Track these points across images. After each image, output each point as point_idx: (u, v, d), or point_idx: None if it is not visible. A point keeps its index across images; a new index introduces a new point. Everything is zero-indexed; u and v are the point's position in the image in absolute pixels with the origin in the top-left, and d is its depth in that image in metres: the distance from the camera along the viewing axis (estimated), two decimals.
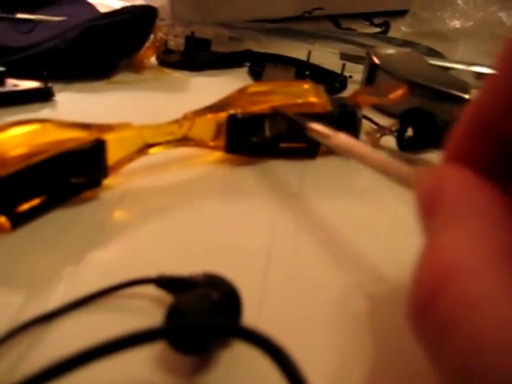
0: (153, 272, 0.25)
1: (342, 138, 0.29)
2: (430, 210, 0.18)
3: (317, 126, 0.32)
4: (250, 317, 0.23)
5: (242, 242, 0.30)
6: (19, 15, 0.64)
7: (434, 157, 0.40)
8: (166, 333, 0.20)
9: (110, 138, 0.33)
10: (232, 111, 0.37)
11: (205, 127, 0.37)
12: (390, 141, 0.41)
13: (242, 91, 0.39)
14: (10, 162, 0.29)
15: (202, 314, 0.21)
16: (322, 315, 0.25)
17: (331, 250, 0.30)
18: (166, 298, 0.24)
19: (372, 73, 0.51)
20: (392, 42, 0.67)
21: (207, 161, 0.39)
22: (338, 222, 0.32)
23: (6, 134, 0.30)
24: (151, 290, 0.25)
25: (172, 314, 0.21)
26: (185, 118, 0.36)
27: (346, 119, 0.39)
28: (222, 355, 0.22)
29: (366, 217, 0.33)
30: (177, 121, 0.36)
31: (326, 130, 0.31)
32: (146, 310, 0.25)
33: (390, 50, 0.54)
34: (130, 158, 0.35)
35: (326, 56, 0.60)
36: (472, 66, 0.54)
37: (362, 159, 0.27)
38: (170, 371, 0.21)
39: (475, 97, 0.19)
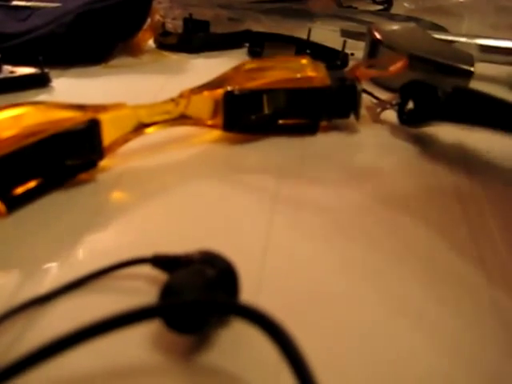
0: (151, 252, 0.24)
1: None
2: None
3: None
4: (249, 295, 0.23)
5: (242, 221, 0.29)
6: (15, 2, 0.63)
7: (435, 130, 0.39)
8: (159, 311, 0.19)
9: (104, 117, 0.32)
10: (229, 88, 0.36)
11: (202, 105, 0.36)
12: (390, 115, 0.40)
13: (238, 68, 0.38)
14: (2, 145, 0.28)
15: (197, 290, 0.20)
16: (322, 293, 0.24)
17: (333, 228, 0.29)
18: (162, 277, 0.24)
19: (373, 49, 0.50)
20: (394, 18, 0.65)
21: (206, 140, 0.38)
22: (340, 198, 0.32)
23: None
24: (147, 269, 0.24)
25: (166, 291, 0.21)
26: (181, 96, 0.36)
27: (345, 93, 0.38)
28: (219, 334, 0.22)
29: (368, 193, 0.32)
30: (173, 99, 0.35)
31: None
32: (143, 291, 0.24)
33: (392, 26, 0.53)
34: (126, 139, 0.34)
35: (327, 34, 0.59)
36: (476, 38, 0.53)
37: None
38: (166, 351, 0.21)
39: None
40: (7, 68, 0.48)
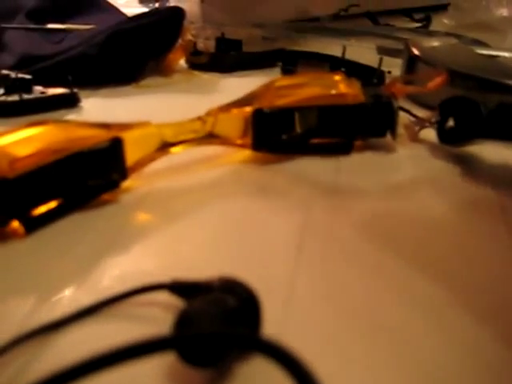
0: (171, 277, 0.23)
1: None
2: None
3: None
4: (273, 328, 0.21)
5: (269, 246, 0.28)
6: (50, 25, 0.64)
7: (478, 149, 0.37)
8: (173, 343, 0.18)
9: (128, 136, 0.31)
10: (258, 105, 0.35)
11: (230, 123, 0.35)
12: (429, 134, 0.38)
13: (269, 85, 0.37)
14: (20, 163, 0.27)
15: (215, 321, 0.19)
16: (352, 329, 0.22)
17: (367, 256, 0.27)
18: (180, 304, 0.22)
19: (411, 65, 0.48)
20: (433, 35, 0.63)
21: (234, 160, 0.37)
22: (374, 225, 0.30)
23: (16, 136, 0.29)
24: (165, 296, 0.23)
25: (181, 321, 0.19)
26: (208, 114, 0.34)
27: (381, 111, 0.36)
28: (237, 369, 0.20)
29: (405, 217, 0.30)
30: (200, 117, 0.34)
31: None
32: (159, 318, 0.22)
33: (431, 42, 0.51)
34: (150, 158, 0.33)
35: (363, 52, 0.57)
36: None
37: None
38: None
39: None
40: (38, 89, 0.48)
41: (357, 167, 0.36)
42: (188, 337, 0.18)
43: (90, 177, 0.30)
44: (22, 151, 0.28)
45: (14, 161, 0.27)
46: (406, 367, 0.20)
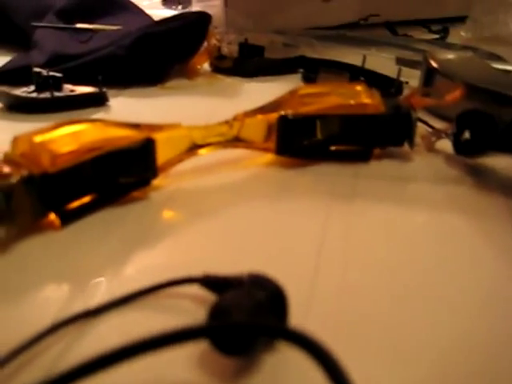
0: (200, 272, 0.24)
1: None
2: None
3: None
4: (298, 318, 0.22)
5: (292, 244, 0.29)
6: (78, 25, 0.66)
7: (492, 161, 0.38)
8: (207, 331, 0.19)
9: (159, 137, 0.33)
10: (283, 112, 0.36)
11: (255, 128, 0.37)
12: (445, 145, 0.40)
13: (293, 93, 0.38)
14: (60, 160, 0.29)
15: (246, 313, 0.20)
16: (372, 320, 0.24)
17: (383, 254, 0.29)
18: (211, 297, 0.23)
19: (429, 77, 0.49)
20: (451, 47, 0.65)
21: (258, 163, 0.38)
22: (390, 227, 0.31)
23: (57, 133, 0.30)
24: (196, 289, 0.24)
25: (214, 312, 0.20)
26: (235, 118, 0.36)
27: (400, 121, 0.38)
28: (266, 358, 0.21)
29: (419, 223, 0.32)
30: (227, 121, 0.36)
31: None
32: (190, 310, 0.24)
33: (448, 54, 0.52)
34: (179, 159, 0.35)
35: (382, 62, 0.59)
36: None
37: None
38: (212, 373, 0.21)
39: None
40: (68, 87, 0.49)
41: (375, 174, 0.37)
42: (222, 326, 0.20)
43: (122, 174, 0.32)
44: (63, 148, 0.29)
45: (55, 157, 0.29)
46: (427, 358, 0.22)
